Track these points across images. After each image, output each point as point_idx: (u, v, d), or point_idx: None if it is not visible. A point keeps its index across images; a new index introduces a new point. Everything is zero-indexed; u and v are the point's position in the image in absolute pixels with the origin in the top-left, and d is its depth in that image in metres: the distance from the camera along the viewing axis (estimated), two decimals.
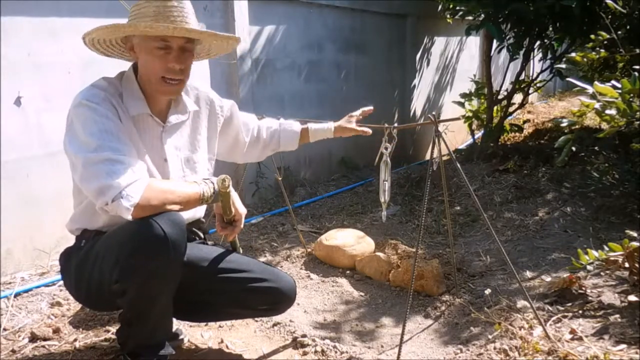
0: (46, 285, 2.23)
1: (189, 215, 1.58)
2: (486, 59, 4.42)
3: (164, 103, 1.54)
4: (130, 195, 1.28)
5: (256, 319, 1.98)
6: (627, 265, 1.95)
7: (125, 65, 1.56)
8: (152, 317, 1.45)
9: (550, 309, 1.88)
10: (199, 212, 1.68)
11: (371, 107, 1.93)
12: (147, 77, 1.46)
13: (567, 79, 3.25)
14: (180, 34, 1.38)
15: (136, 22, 1.38)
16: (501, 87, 4.60)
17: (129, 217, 1.29)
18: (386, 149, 1.77)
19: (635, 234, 1.99)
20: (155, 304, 1.42)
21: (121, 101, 1.45)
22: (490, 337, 1.76)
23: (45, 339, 1.79)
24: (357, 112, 1.91)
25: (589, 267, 1.97)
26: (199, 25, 1.47)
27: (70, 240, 1.59)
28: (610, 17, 3.08)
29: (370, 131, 1.89)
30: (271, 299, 1.65)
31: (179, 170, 1.57)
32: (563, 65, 3.76)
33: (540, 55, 4.08)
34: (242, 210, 1.59)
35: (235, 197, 1.55)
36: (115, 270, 1.34)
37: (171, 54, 1.41)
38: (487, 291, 2.09)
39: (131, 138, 1.43)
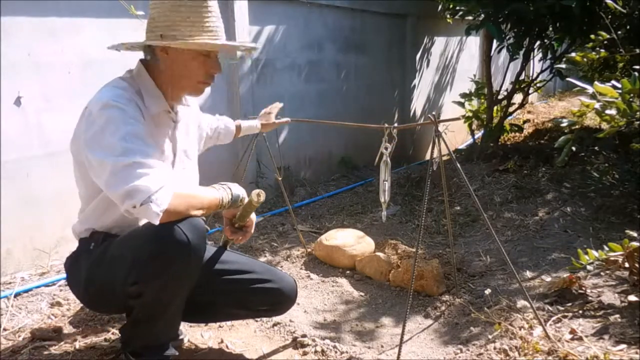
0: (46, 285, 2.23)
1: None
2: (486, 59, 4.42)
3: (176, 100, 1.56)
4: (159, 200, 1.27)
5: (256, 319, 1.98)
6: (627, 265, 1.95)
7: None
8: (162, 319, 1.45)
9: (550, 309, 1.88)
10: None
11: (281, 104, 2.23)
12: (180, 78, 1.48)
13: (567, 79, 3.25)
14: (235, 50, 1.48)
15: (194, 40, 1.39)
16: (501, 87, 4.60)
17: (156, 222, 1.28)
18: (386, 149, 1.77)
19: (635, 234, 1.99)
20: (168, 307, 1.43)
21: (142, 100, 1.45)
22: (490, 337, 1.76)
23: (45, 339, 1.79)
24: (269, 108, 2.20)
25: (589, 267, 1.97)
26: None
27: (71, 241, 1.58)
28: (610, 17, 3.08)
29: (289, 119, 2.23)
30: (272, 300, 1.65)
31: (181, 161, 1.59)
32: (563, 65, 3.76)
33: (540, 55, 4.08)
34: (253, 216, 1.59)
35: None
36: (133, 272, 1.34)
37: (210, 60, 1.47)
38: (487, 291, 2.09)
39: (153, 137, 1.44)
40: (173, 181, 1.37)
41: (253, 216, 1.58)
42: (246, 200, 1.51)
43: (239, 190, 1.50)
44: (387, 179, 1.79)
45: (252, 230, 1.60)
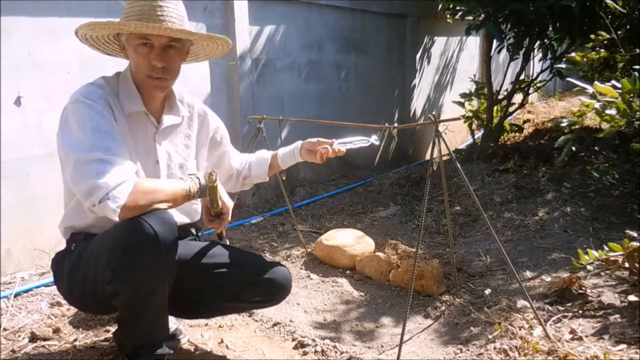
0: (46, 285, 2.23)
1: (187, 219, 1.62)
2: (486, 59, 4.43)
3: (158, 103, 1.55)
4: (117, 196, 1.27)
5: (256, 319, 1.98)
6: (627, 265, 1.95)
7: (124, 65, 1.56)
8: (147, 317, 1.44)
9: (550, 309, 1.88)
10: (198, 215, 1.68)
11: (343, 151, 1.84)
12: (135, 74, 1.49)
13: (567, 79, 3.24)
14: (154, 31, 1.39)
15: (120, 21, 1.40)
16: (501, 87, 4.60)
17: (116, 219, 1.29)
18: (376, 140, 1.78)
19: (635, 234, 1.99)
20: (149, 304, 1.42)
21: (117, 100, 1.46)
22: (490, 337, 1.76)
23: (45, 339, 1.79)
24: (325, 144, 1.83)
25: (589, 267, 1.97)
26: (192, 25, 1.48)
27: None
28: (610, 17, 3.09)
29: (344, 150, 1.83)
30: (265, 290, 1.63)
31: (170, 173, 1.57)
32: (563, 65, 3.76)
33: (540, 55, 4.08)
34: (229, 203, 1.55)
35: (221, 190, 1.52)
36: (108, 271, 1.34)
37: (153, 52, 1.43)
38: (487, 291, 2.09)
39: (125, 137, 1.43)
40: (135, 176, 1.35)
41: (230, 203, 1.54)
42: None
43: None
44: (354, 143, 1.76)
45: (229, 218, 1.55)
